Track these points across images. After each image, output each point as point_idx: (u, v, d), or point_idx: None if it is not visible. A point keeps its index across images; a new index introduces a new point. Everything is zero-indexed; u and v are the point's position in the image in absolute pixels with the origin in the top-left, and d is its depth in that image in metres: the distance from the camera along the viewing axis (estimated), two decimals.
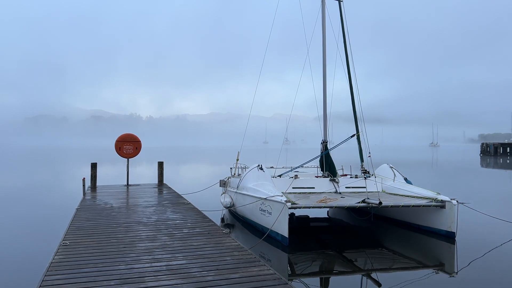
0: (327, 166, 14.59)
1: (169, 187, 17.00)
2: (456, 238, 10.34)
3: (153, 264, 6.26)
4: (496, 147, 77.73)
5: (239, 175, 14.66)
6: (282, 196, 10.37)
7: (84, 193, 14.76)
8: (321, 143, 15.35)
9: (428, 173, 36.27)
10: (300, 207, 10.32)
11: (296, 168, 15.39)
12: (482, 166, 49.02)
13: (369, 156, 13.72)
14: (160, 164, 18.96)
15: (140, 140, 18.30)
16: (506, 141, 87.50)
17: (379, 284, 7.33)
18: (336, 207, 10.80)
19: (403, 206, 10.79)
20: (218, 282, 5.49)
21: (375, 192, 12.91)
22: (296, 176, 13.82)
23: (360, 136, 14.52)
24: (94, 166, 17.41)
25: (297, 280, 7.60)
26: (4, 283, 7.51)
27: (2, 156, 70.33)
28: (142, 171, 34.43)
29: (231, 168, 16.01)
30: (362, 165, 14.51)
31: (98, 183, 17.43)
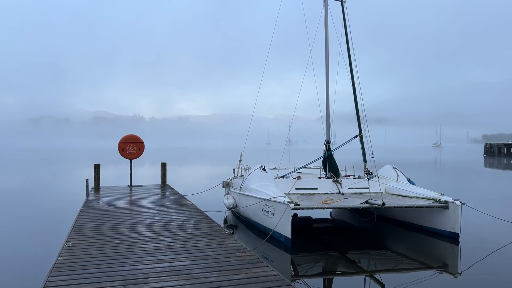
0: (330, 167, 14.58)
1: (172, 188, 17.02)
2: (459, 239, 10.31)
3: (157, 265, 6.26)
4: (499, 147, 77.47)
5: (242, 176, 14.66)
6: (285, 197, 10.37)
7: (88, 194, 14.79)
8: (324, 144, 15.34)
9: (431, 174, 36.18)
10: (303, 208, 10.31)
11: (299, 169, 15.38)
12: (485, 166, 48.86)
13: (372, 157, 13.70)
14: (163, 165, 18.98)
15: (143, 141, 18.33)
16: (510, 142, 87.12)
17: (382, 285, 7.32)
18: (339, 208, 10.79)
19: (406, 207, 10.77)
20: (221, 283, 5.49)
21: (378, 193, 12.89)
22: (299, 177, 13.82)
23: (363, 136, 14.50)
24: (97, 167, 17.45)
25: (300, 281, 7.60)
26: (8, 284, 7.54)
27: (6, 157, 70.59)
28: (145, 172, 34.49)
29: (234, 169, 16.02)
30: (365, 166, 14.49)
31: (102, 184, 17.47)
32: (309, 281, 7.71)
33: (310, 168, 16.14)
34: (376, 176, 13.89)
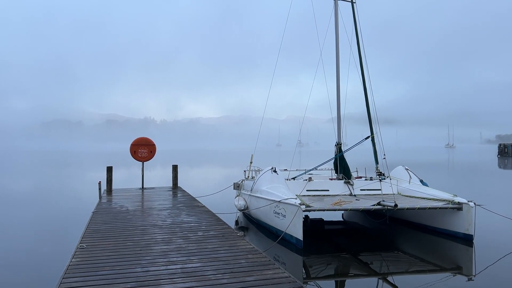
0: (342, 168, 14.50)
1: (184, 190, 17.10)
2: (473, 241, 10.17)
3: (169, 267, 6.30)
4: None
5: (253, 177, 14.67)
6: (296, 198, 10.35)
7: (100, 197, 14.93)
8: (335, 145, 15.27)
9: (444, 175, 35.77)
10: (314, 210, 10.28)
11: (310, 170, 15.33)
12: (499, 167, 48.15)
13: (384, 158, 13.61)
14: (175, 167, 19.08)
15: (155, 143, 18.45)
16: None
17: None
18: (351, 209, 10.72)
19: (419, 208, 10.66)
20: (233, 285, 5.49)
21: (391, 194, 12.79)
22: (310, 179, 13.78)
23: (374, 137, 14.40)
24: (109, 169, 17.61)
25: (312, 283, 7.57)
26: (23, 285, 7.65)
27: (20, 160, 71.61)
28: (157, 174, 34.70)
29: (244, 171, 16.03)
30: (377, 167, 14.39)
31: (114, 186, 17.62)
32: (321, 283, 7.67)
33: (321, 169, 16.08)
34: (388, 178, 13.78)
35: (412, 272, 8.24)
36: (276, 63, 17.26)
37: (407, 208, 10.66)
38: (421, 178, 13.73)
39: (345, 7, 15.46)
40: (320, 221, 12.14)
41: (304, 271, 8.45)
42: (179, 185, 18.74)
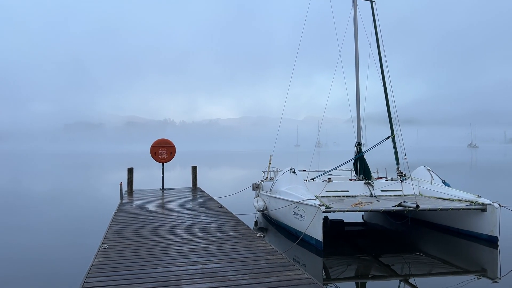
0: (362, 169, 14.36)
1: (203, 191, 17.21)
2: (498, 243, 9.93)
3: (189, 267, 6.35)
4: None
5: (271, 178, 14.66)
6: (315, 199, 10.30)
7: (122, 197, 15.16)
8: (355, 145, 15.14)
9: (467, 175, 35.03)
10: (334, 211, 10.21)
11: (329, 171, 15.23)
12: None
13: (405, 158, 13.41)
14: (194, 169, 19.23)
15: (174, 145, 18.63)
16: None
17: None
18: (371, 210, 10.60)
19: (441, 209, 10.47)
20: (252, 286, 5.50)
21: (412, 195, 12.61)
22: (329, 180, 13.68)
23: (395, 137, 14.21)
24: (130, 171, 17.86)
25: (332, 285, 7.53)
26: (48, 284, 7.82)
27: (44, 162, 73.33)
28: (176, 175, 35.03)
29: (263, 172, 16.03)
30: (397, 168, 14.20)
31: (135, 187, 17.87)
32: (341, 284, 7.62)
33: (341, 170, 15.96)
34: (410, 178, 13.59)
35: (435, 274, 8.09)
36: (295, 64, 17.22)
37: (429, 209, 10.48)
38: (443, 179, 13.48)
39: (363, 6, 15.33)
40: (340, 222, 12.05)
41: (324, 273, 8.39)
42: (198, 186, 18.88)
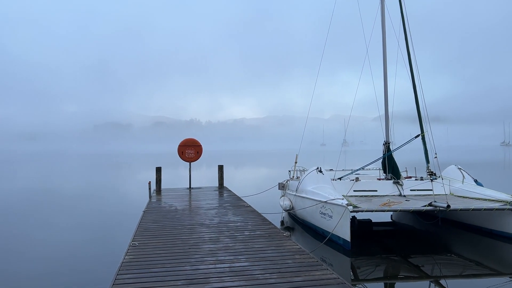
0: (390, 168, 14.13)
1: (229, 190, 17.31)
2: None
3: (217, 266, 6.40)
4: None
5: (297, 178, 14.62)
6: (343, 199, 10.21)
7: (150, 196, 15.43)
8: (383, 144, 14.92)
9: (500, 175, 33.91)
10: (362, 211, 10.09)
11: (357, 170, 15.05)
12: None
13: (435, 157, 13.11)
14: (220, 168, 19.37)
15: (201, 144, 18.82)
16: None
17: None
18: (400, 210, 10.42)
19: (473, 209, 10.19)
20: (281, 285, 5.50)
21: (443, 195, 12.31)
22: (357, 179, 13.52)
23: (425, 136, 13.91)
24: (158, 170, 18.15)
25: (360, 285, 7.46)
26: (79, 280, 8.06)
27: (75, 162, 75.46)
28: (203, 174, 35.38)
29: (289, 171, 16.00)
30: (427, 167, 13.87)
31: (163, 186, 18.14)
32: (370, 285, 7.53)
33: (369, 169, 15.75)
34: (440, 177, 13.26)
35: (467, 276, 7.89)
36: (321, 62, 17.11)
37: (461, 209, 10.22)
38: (475, 178, 13.11)
39: (391, 2, 15.06)
40: (368, 222, 11.90)
41: (352, 273, 8.32)
42: (224, 185, 19.00)
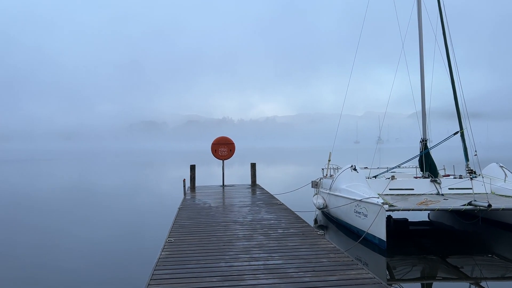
0: (428, 166, 13.76)
1: (262, 188, 17.36)
2: None
3: (251, 263, 6.44)
4: None
5: (331, 176, 14.47)
6: (378, 197, 10.03)
7: (185, 193, 15.69)
8: (420, 141, 14.53)
9: None
10: (398, 210, 9.88)
11: (392, 168, 14.74)
12: None
13: (475, 155, 12.66)
14: (253, 165, 19.44)
15: (234, 142, 18.95)
16: None
17: None
18: (438, 209, 10.12)
19: None
20: (315, 283, 5.47)
21: (483, 193, 11.89)
22: (393, 177, 13.22)
23: (464, 133, 13.45)
24: (193, 168, 18.42)
25: (396, 286, 7.31)
26: (117, 275, 8.32)
27: (112, 160, 77.74)
28: (235, 172, 35.64)
29: (322, 169, 15.86)
30: (467, 165, 13.41)
31: (196, 184, 18.41)
32: (406, 285, 7.38)
33: (405, 167, 15.39)
34: (480, 176, 12.79)
35: (509, 278, 7.60)
36: (355, 58, 16.86)
37: (503, 209, 9.83)
38: None
39: None
40: (404, 221, 11.65)
41: (387, 273, 8.17)
42: (257, 182, 19.06)
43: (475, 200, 9.90)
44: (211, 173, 33.25)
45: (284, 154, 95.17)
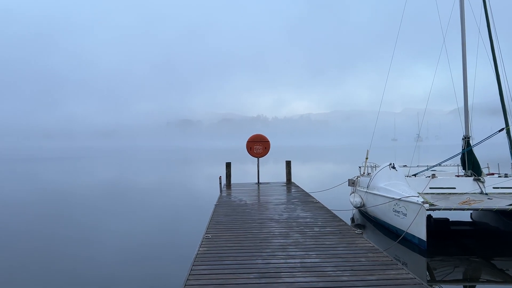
0: (470, 164, 13.26)
1: (297, 186, 17.29)
2: None
3: (288, 261, 6.44)
4: None
5: (368, 174, 14.22)
6: (418, 196, 9.78)
7: (221, 190, 15.87)
8: (463, 138, 14.02)
9: None
10: (439, 209, 9.59)
11: (433, 166, 14.31)
12: None
13: None
14: (288, 163, 19.38)
15: (269, 140, 18.96)
16: None
17: None
18: (482, 209, 9.74)
19: None
20: (354, 283, 5.41)
21: None
22: (433, 176, 12.83)
23: (510, 130, 12.86)
24: (228, 165, 18.59)
25: (437, 287, 7.11)
26: (156, 269, 8.53)
27: (150, 157, 79.64)
28: (271, 170, 35.67)
29: (360, 167, 15.62)
30: None
31: (232, 181, 18.56)
32: (447, 287, 7.16)
33: (446, 165, 14.89)
34: None
35: None
36: (393, 54, 16.47)
37: None
38: None
39: None
40: (445, 221, 11.29)
41: (428, 273, 7.96)
42: (292, 180, 19.00)
43: None
44: (246, 171, 33.44)
45: (319, 152, 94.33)
